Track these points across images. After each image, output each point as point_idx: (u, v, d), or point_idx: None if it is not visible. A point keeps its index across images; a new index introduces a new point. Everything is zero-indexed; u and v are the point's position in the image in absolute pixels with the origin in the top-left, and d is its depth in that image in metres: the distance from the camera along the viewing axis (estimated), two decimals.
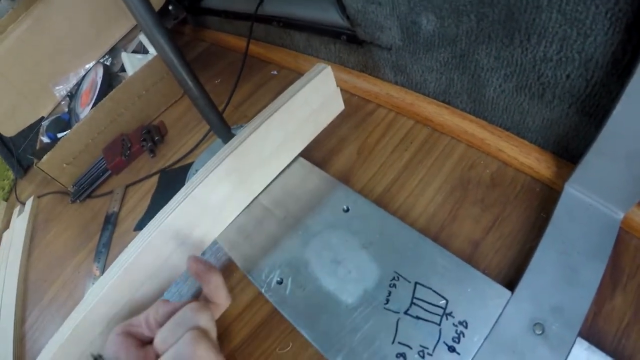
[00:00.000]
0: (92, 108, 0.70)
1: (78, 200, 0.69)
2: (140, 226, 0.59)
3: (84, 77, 0.79)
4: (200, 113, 0.49)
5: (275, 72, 0.70)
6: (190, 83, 0.46)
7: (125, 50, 0.78)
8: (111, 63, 0.79)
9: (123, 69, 0.77)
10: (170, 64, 0.44)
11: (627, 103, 0.29)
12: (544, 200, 0.42)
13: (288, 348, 0.41)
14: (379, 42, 0.49)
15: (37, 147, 0.76)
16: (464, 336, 0.36)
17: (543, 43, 0.34)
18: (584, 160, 0.36)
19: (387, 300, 0.39)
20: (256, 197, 0.51)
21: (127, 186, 0.66)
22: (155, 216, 0.42)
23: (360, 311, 0.39)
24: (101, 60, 0.80)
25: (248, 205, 0.50)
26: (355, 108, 0.57)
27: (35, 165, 0.66)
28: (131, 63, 0.74)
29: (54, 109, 0.81)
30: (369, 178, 0.50)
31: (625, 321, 0.33)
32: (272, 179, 0.51)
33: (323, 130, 0.53)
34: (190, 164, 0.62)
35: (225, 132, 0.52)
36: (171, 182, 0.63)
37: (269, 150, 0.48)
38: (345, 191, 0.47)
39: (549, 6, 0.31)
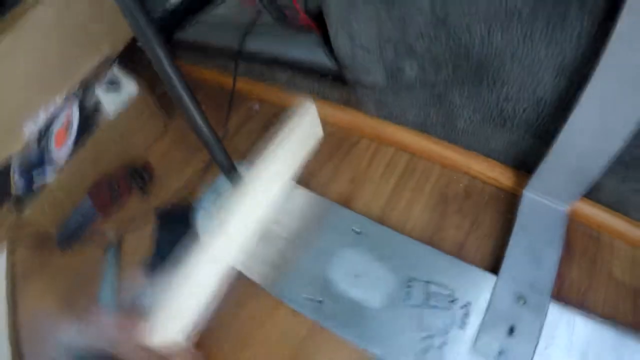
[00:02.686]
0: (72, 149, 0.69)
1: (67, 247, 0.67)
2: (150, 267, 0.61)
3: (55, 113, 0.76)
4: (210, 154, 0.53)
5: (257, 107, 0.75)
6: (201, 124, 0.49)
7: (98, 85, 0.77)
8: (83, 98, 0.77)
9: (97, 106, 0.77)
10: (183, 105, 0.46)
11: (569, 129, 0.41)
12: (508, 204, 0.54)
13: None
14: (364, 82, 0.58)
15: (12, 191, 0.72)
16: (468, 315, 0.46)
17: (505, 87, 0.45)
18: (537, 171, 0.48)
19: (408, 298, 0.48)
20: (270, 227, 0.56)
21: (121, 227, 0.66)
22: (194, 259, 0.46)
23: (388, 310, 0.47)
24: (75, 94, 0.78)
25: (265, 235, 0.55)
26: (339, 140, 0.65)
27: (19, 215, 0.63)
28: (110, 100, 0.74)
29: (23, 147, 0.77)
30: (365, 201, 0.58)
31: (583, 287, 0.45)
32: (275, 208, 0.57)
33: (318, 162, 0.61)
34: (189, 202, 0.65)
35: (233, 172, 0.57)
36: (172, 221, 0.65)
37: (275, 187, 0.55)
38: (353, 215, 0.55)
39: (511, 61, 0.42)
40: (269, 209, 0.56)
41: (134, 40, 0.79)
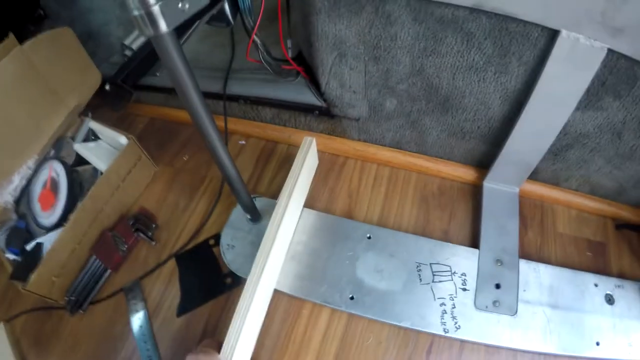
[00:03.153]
0: (63, 209, 0.69)
1: (81, 311, 0.67)
2: (182, 311, 0.65)
3: (31, 177, 0.73)
4: (234, 193, 0.61)
5: (243, 142, 0.82)
6: (229, 166, 0.54)
7: (74, 141, 0.76)
8: (59, 156, 0.75)
9: (78, 162, 0.76)
10: (217, 155, 0.51)
11: (514, 137, 0.60)
12: (474, 194, 0.71)
13: (371, 338, 0.59)
14: (350, 115, 0.71)
15: (7, 269, 0.68)
16: (466, 281, 0.62)
17: (465, 113, 0.62)
18: (492, 167, 0.66)
19: (420, 279, 0.62)
20: (294, 248, 0.66)
21: (141, 279, 0.68)
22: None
23: (408, 292, 0.61)
24: (50, 155, 0.75)
25: (291, 256, 0.65)
26: (330, 164, 0.77)
27: (23, 288, 0.62)
28: (91, 153, 0.74)
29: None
30: (365, 211, 0.71)
31: (538, 243, 0.65)
32: (294, 230, 0.67)
33: (317, 186, 0.73)
34: (205, 241, 0.71)
35: (252, 208, 0.65)
36: (192, 261, 0.69)
37: (295, 214, 0.65)
38: (361, 225, 0.68)
39: (469, 95, 0.59)
40: (291, 234, 0.65)
41: (101, 89, 0.79)
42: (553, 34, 0.47)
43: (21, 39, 0.67)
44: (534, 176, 0.68)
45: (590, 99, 0.53)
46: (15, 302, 0.71)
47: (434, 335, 0.59)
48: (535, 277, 0.61)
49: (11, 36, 0.67)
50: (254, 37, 0.60)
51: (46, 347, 0.66)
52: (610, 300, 0.60)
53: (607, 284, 0.61)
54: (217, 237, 0.69)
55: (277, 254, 0.61)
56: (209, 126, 0.47)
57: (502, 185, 0.69)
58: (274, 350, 0.60)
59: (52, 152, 0.78)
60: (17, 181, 0.74)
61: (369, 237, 0.66)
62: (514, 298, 0.60)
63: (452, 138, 0.68)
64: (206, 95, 0.80)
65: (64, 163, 0.74)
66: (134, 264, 0.71)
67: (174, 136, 0.86)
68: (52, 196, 0.72)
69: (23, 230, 0.72)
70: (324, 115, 0.73)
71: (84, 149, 0.76)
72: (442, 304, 0.60)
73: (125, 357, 0.63)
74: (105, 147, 0.78)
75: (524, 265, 0.62)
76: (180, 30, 0.88)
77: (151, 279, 0.69)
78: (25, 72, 0.68)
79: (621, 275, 0.63)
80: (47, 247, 0.67)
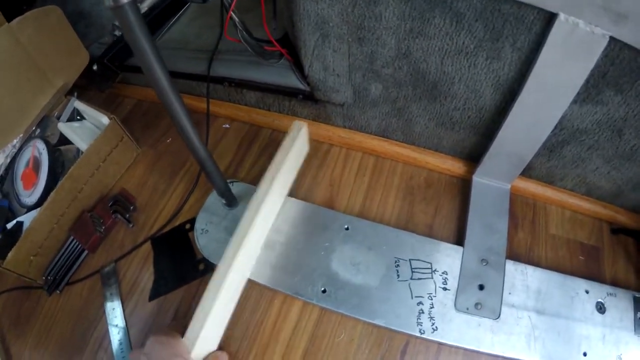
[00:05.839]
0: (44, 189, 0.68)
1: (57, 291, 0.67)
2: (154, 295, 0.64)
3: (15, 155, 0.73)
4: (208, 177, 0.59)
5: (227, 126, 0.80)
6: (199, 149, 0.52)
7: (59, 120, 0.75)
8: (44, 135, 0.75)
9: (62, 141, 0.75)
10: (183, 130, 0.48)
11: (506, 128, 0.56)
12: (462, 188, 0.67)
13: (342, 335, 0.57)
14: (334, 100, 0.67)
15: None
16: (447, 280, 0.58)
17: (454, 101, 0.58)
18: (482, 160, 0.62)
19: (398, 276, 0.59)
20: (270, 236, 0.63)
21: (116, 261, 0.68)
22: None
23: (384, 288, 0.58)
24: (33, 133, 0.75)
25: (267, 244, 0.62)
26: (313, 150, 0.73)
27: (0, 266, 0.62)
28: (77, 133, 0.73)
29: None
30: (346, 201, 0.68)
31: (528, 244, 0.61)
32: (274, 219, 0.65)
33: (298, 175, 0.69)
34: (181, 225, 0.69)
35: (227, 193, 0.63)
36: (167, 245, 0.68)
37: (277, 202, 0.62)
38: (340, 215, 0.65)
39: (459, 82, 0.55)
40: (271, 222, 0.63)
41: (88, 70, 0.78)
42: (550, 18, 0.43)
43: (12, 19, 0.66)
44: (527, 173, 0.64)
45: (590, 91, 0.48)
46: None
47: (409, 335, 0.56)
48: (523, 279, 0.57)
49: None
50: (232, 14, 0.57)
51: (24, 327, 0.66)
52: (601, 308, 0.56)
53: (599, 291, 0.56)
54: (193, 222, 0.68)
55: (253, 242, 0.59)
56: (174, 102, 0.44)
57: (493, 181, 0.64)
58: (242, 340, 0.58)
59: (38, 131, 0.78)
60: (1, 159, 0.74)
61: (347, 229, 0.63)
62: (497, 301, 0.56)
63: (441, 128, 0.64)
64: (191, 77, 0.78)
65: (46, 142, 0.74)
66: (111, 245, 0.70)
67: (160, 118, 0.84)
68: (34, 175, 0.72)
69: (5, 209, 0.72)
70: (308, 100, 0.69)
71: (67, 129, 0.75)
72: (420, 303, 0.57)
73: (97, 338, 0.62)
74: (89, 127, 0.77)
75: (511, 267, 0.58)
76: (167, 13, 0.87)
77: (127, 261, 0.68)
78: (12, 51, 0.67)
79: (614, 283, 0.58)
80: (26, 226, 0.67)
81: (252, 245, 0.59)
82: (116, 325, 0.62)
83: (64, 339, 0.64)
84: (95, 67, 0.79)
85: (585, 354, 0.53)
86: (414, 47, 0.53)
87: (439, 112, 0.61)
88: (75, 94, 0.79)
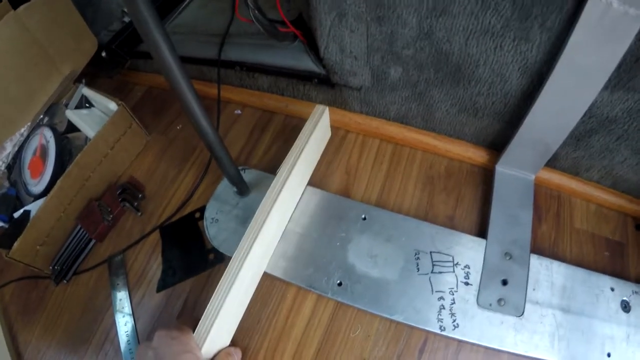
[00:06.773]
0: (51, 177, 0.67)
1: (64, 281, 0.65)
2: (163, 286, 0.62)
3: (23, 143, 0.71)
4: (219, 165, 0.57)
5: (239, 112, 0.77)
6: (210, 134, 0.50)
7: (67, 107, 0.73)
8: (53, 123, 0.73)
9: (70, 129, 0.73)
10: (195, 118, 0.46)
11: (532, 115, 0.52)
12: (483, 178, 0.64)
13: (358, 330, 0.54)
14: (351, 84, 0.64)
15: None
16: (470, 274, 0.56)
17: (478, 85, 0.54)
18: (507, 149, 0.59)
19: (418, 269, 0.56)
20: (286, 227, 0.61)
21: (124, 251, 0.66)
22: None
23: (404, 282, 0.55)
24: (42, 121, 0.73)
25: (283, 235, 0.60)
26: (331, 136, 0.71)
27: (6, 256, 0.60)
28: (82, 121, 0.71)
29: None
30: (363, 190, 0.65)
31: (552, 238, 0.57)
32: (293, 209, 0.62)
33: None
34: (190, 213, 0.67)
35: (238, 180, 0.60)
36: (176, 235, 0.66)
37: (296, 191, 0.59)
38: (357, 204, 0.62)
39: (484, 65, 0.51)
40: (290, 212, 0.61)
41: (97, 57, 0.76)
42: None
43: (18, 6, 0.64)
44: (552, 163, 0.60)
45: (622, 76, 0.45)
46: (5, 271, 0.70)
47: (428, 332, 0.53)
48: (547, 275, 0.54)
49: (4, 1, 0.65)
50: None
51: (31, 317, 0.64)
52: (626, 307, 0.52)
53: (625, 289, 0.53)
54: (202, 210, 0.65)
55: (270, 233, 0.56)
56: (184, 88, 0.42)
57: (517, 171, 0.61)
58: (253, 334, 0.56)
59: (46, 119, 0.76)
60: (9, 148, 0.72)
61: (364, 219, 0.61)
62: (521, 297, 0.53)
63: (463, 114, 0.60)
64: (201, 62, 0.75)
65: (54, 130, 0.72)
66: (119, 234, 0.68)
67: (170, 105, 0.82)
68: (41, 163, 0.70)
69: (13, 197, 0.70)
70: (323, 84, 0.66)
71: (75, 116, 0.73)
72: (441, 298, 0.54)
73: (104, 329, 0.61)
74: (97, 115, 0.75)
75: (536, 261, 0.55)
76: None
77: (135, 250, 0.66)
78: (19, 38, 0.66)
79: (639, 281, 0.55)
80: (33, 214, 0.65)
81: (269, 236, 0.56)
82: (123, 316, 0.60)
83: (71, 328, 0.62)
84: (104, 54, 0.77)
85: (609, 355, 0.50)
86: (436, 26, 0.49)
87: (462, 97, 0.58)
88: (84, 80, 0.77)
